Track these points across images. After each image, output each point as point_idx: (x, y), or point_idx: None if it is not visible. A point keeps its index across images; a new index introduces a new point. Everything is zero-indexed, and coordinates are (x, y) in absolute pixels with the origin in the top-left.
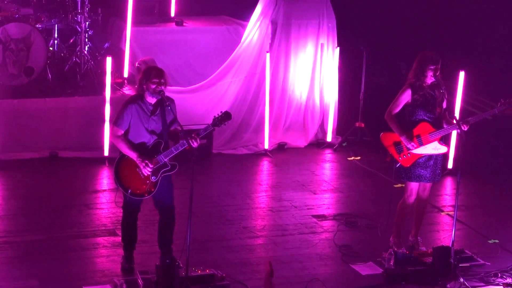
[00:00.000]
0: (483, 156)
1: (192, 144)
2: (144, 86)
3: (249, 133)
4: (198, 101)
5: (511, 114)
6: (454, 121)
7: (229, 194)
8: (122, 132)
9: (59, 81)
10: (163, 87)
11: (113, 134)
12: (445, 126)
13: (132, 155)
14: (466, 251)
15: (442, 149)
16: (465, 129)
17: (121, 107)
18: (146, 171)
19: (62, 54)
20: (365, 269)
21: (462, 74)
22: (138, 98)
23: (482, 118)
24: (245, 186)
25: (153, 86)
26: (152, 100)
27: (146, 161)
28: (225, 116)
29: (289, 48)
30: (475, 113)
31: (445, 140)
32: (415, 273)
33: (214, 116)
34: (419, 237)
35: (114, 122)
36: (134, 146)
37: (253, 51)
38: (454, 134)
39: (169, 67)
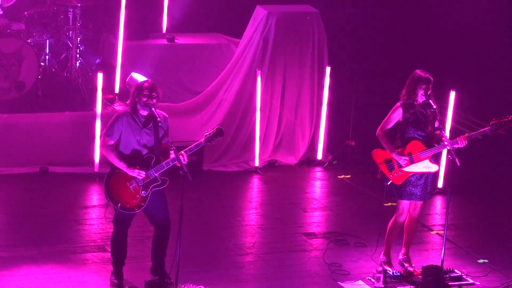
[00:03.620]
0: (473, 175)
1: (181, 160)
2: (136, 99)
3: (239, 150)
4: (190, 118)
5: (502, 133)
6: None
7: (219, 211)
8: (112, 142)
9: (50, 96)
10: (155, 101)
11: (103, 144)
12: (435, 144)
13: (122, 165)
14: (456, 270)
15: (433, 167)
16: (463, 145)
17: (113, 118)
18: (140, 176)
19: (53, 70)
20: (355, 287)
21: (452, 94)
22: (131, 110)
23: (473, 138)
24: (235, 203)
25: (144, 99)
26: (144, 112)
27: (138, 168)
28: (217, 133)
29: (280, 65)
30: (465, 132)
31: (435, 159)
32: None
33: (206, 133)
34: (408, 256)
35: (105, 132)
36: (124, 157)
37: (244, 68)
38: (444, 153)
39: (160, 83)
